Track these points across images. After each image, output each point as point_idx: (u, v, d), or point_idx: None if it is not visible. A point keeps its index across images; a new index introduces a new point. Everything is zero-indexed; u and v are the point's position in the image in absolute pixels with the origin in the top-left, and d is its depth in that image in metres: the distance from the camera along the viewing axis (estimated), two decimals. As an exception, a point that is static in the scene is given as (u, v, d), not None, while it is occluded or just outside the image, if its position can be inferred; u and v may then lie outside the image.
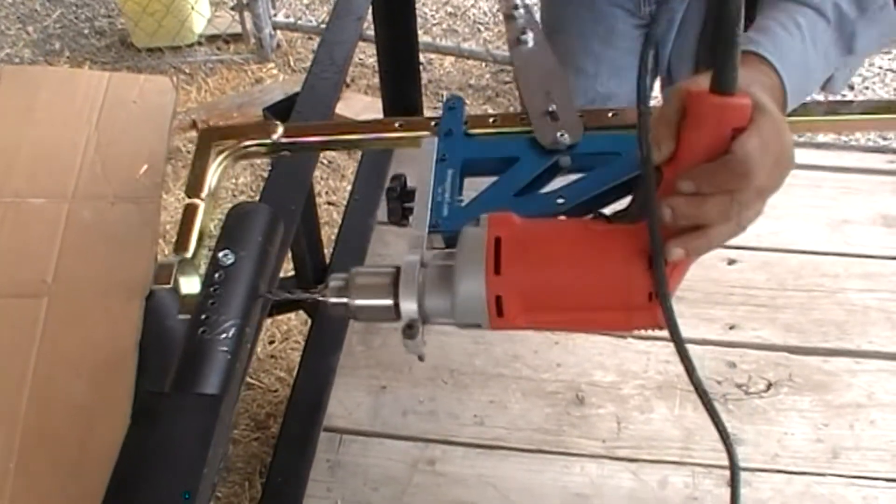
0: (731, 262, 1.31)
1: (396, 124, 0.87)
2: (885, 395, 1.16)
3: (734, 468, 0.68)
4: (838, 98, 1.09)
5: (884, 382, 1.17)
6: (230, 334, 0.67)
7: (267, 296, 0.75)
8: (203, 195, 0.82)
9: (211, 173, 0.84)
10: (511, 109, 2.60)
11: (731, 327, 1.23)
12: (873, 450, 1.10)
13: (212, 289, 0.70)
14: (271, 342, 2.05)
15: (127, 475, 0.61)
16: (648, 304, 0.64)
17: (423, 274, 0.68)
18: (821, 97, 1.09)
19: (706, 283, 1.28)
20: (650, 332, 1.19)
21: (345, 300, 0.70)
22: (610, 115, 0.82)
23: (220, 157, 0.86)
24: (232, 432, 1.84)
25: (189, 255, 0.78)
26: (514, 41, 0.90)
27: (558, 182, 0.77)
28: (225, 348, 0.67)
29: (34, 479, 0.99)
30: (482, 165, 0.80)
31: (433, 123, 0.85)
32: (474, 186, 0.77)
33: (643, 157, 0.62)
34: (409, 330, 0.67)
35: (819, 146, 1.55)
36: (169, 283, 0.78)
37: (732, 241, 1.31)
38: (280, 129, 0.87)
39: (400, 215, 0.79)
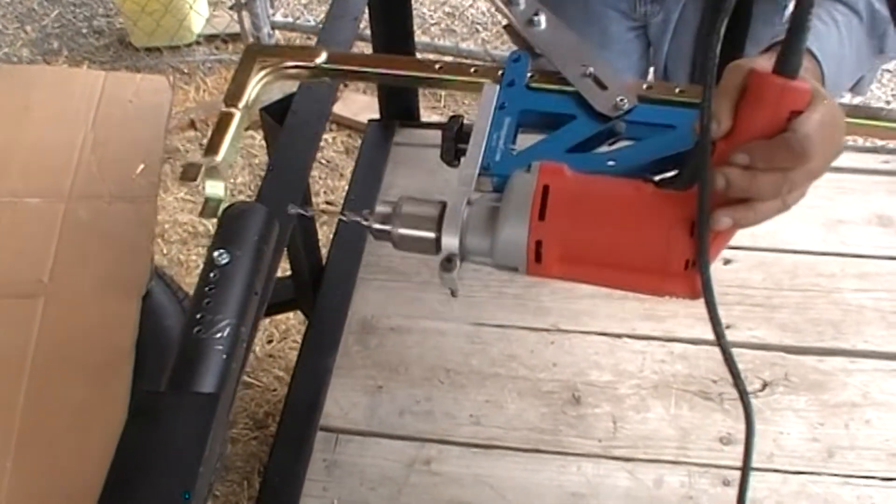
0: (727, 261, 1.31)
1: (436, 66, 0.87)
2: (880, 394, 1.16)
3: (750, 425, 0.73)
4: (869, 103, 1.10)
5: (879, 382, 1.17)
6: (226, 333, 0.68)
7: (299, 210, 0.77)
8: (240, 105, 0.83)
9: (251, 86, 0.85)
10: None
11: (727, 327, 1.23)
12: (868, 449, 1.11)
13: (207, 288, 0.70)
14: (270, 341, 2.06)
15: (124, 474, 0.61)
16: (684, 272, 0.66)
17: (468, 211, 0.70)
18: (847, 98, 1.10)
19: (702, 283, 1.28)
20: (646, 332, 1.21)
21: (388, 227, 0.73)
22: (678, 90, 0.84)
23: (263, 73, 0.86)
24: (230, 431, 1.85)
25: (219, 158, 0.79)
26: (527, 23, 0.90)
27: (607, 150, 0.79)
28: (221, 347, 0.67)
29: (31, 478, 0.99)
30: (539, 119, 0.82)
31: (473, 70, 0.87)
32: (528, 142, 0.79)
33: (702, 126, 0.64)
34: (448, 263, 0.69)
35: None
36: (195, 180, 0.77)
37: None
38: (324, 54, 0.88)
39: (453, 155, 0.80)
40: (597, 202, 0.69)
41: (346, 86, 2.76)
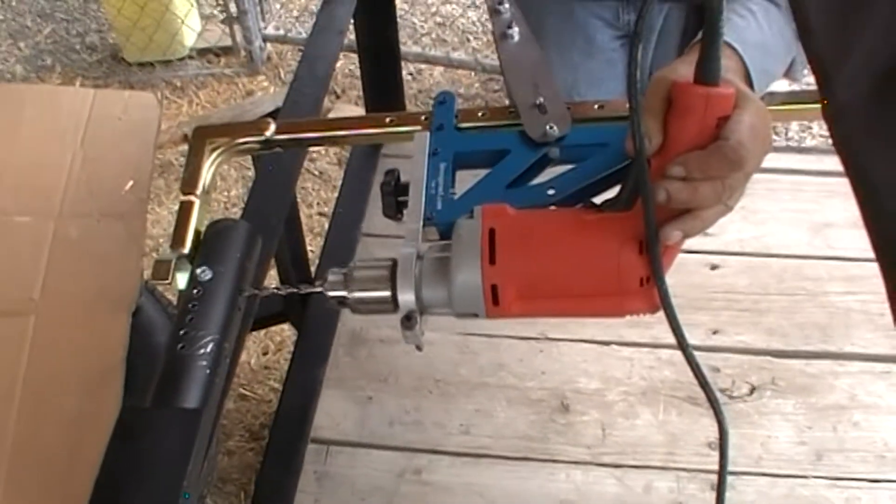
0: (714, 267, 1.32)
1: (387, 119, 0.88)
2: (867, 396, 1.17)
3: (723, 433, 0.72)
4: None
5: (866, 384, 1.18)
6: (209, 349, 0.69)
7: (254, 292, 0.77)
8: (198, 192, 0.83)
9: (205, 170, 0.86)
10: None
11: (715, 332, 1.24)
12: (856, 451, 1.12)
13: (190, 304, 0.71)
14: (265, 353, 2.06)
15: (108, 491, 0.62)
16: (640, 289, 0.67)
17: (419, 265, 0.71)
18: (785, 85, 1.10)
19: (689, 289, 1.29)
20: (634, 339, 1.22)
21: (343, 293, 0.73)
22: (596, 107, 0.84)
23: (214, 155, 0.87)
24: (226, 443, 1.85)
25: (186, 251, 0.79)
26: (501, 35, 0.91)
27: (548, 174, 0.79)
28: (204, 363, 0.68)
29: (23, 494, 1.00)
30: (473, 158, 0.82)
31: (423, 118, 0.87)
32: (466, 180, 0.79)
33: (637, 146, 0.64)
34: (408, 321, 0.69)
35: (801, 150, 1.56)
36: (167, 279, 0.78)
37: (714, 247, 1.34)
38: (272, 126, 0.89)
39: (395, 209, 0.80)
40: (543, 237, 0.70)
41: (338, 97, 2.77)
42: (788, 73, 1.05)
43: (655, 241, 0.65)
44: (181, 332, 0.69)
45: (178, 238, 0.79)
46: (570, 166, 0.78)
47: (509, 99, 0.90)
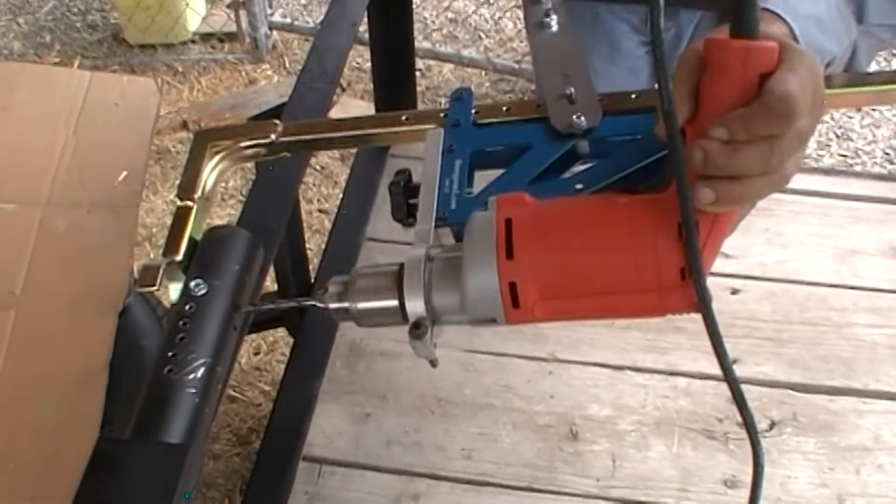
0: (735, 291, 1.26)
1: (403, 118, 0.81)
2: (892, 437, 1.11)
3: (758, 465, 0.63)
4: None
5: (892, 424, 1.12)
6: (199, 374, 0.62)
7: (250, 308, 0.70)
8: (196, 197, 0.76)
9: (206, 175, 0.78)
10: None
11: (734, 361, 1.17)
12: (880, 497, 1.05)
13: (181, 322, 0.64)
14: (256, 353, 2.00)
15: (79, 532, 0.55)
16: (682, 283, 0.57)
17: (429, 269, 0.62)
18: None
19: (708, 314, 1.22)
20: (649, 365, 1.15)
21: (346, 304, 0.65)
22: (633, 97, 0.76)
23: (217, 159, 0.79)
24: (211, 447, 1.79)
25: (179, 258, 0.72)
26: (536, 25, 0.83)
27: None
28: (193, 390, 0.61)
29: (-6, 505, 0.94)
30: (493, 156, 0.74)
31: (442, 115, 0.79)
32: (486, 181, 0.72)
33: (665, 105, 0.56)
34: (416, 330, 0.61)
35: (827, 172, 1.50)
36: (154, 285, 0.71)
37: (736, 270, 1.27)
38: (280, 129, 0.82)
39: (405, 213, 0.72)
40: (568, 225, 0.61)
41: (343, 90, 2.70)
42: (850, 65, 0.97)
43: (691, 221, 0.55)
44: (170, 354, 0.62)
45: (171, 246, 0.71)
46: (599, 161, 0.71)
47: (539, 92, 0.82)
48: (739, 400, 0.61)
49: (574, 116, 0.72)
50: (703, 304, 0.57)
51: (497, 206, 0.62)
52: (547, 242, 0.60)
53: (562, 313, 0.61)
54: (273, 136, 0.80)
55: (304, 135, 0.81)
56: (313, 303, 0.67)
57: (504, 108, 0.78)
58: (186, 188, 0.75)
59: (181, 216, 0.73)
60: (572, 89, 0.76)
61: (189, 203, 0.74)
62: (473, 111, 0.77)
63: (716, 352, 0.59)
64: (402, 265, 0.63)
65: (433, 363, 0.64)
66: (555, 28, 0.83)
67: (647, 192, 0.61)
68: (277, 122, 0.81)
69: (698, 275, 0.56)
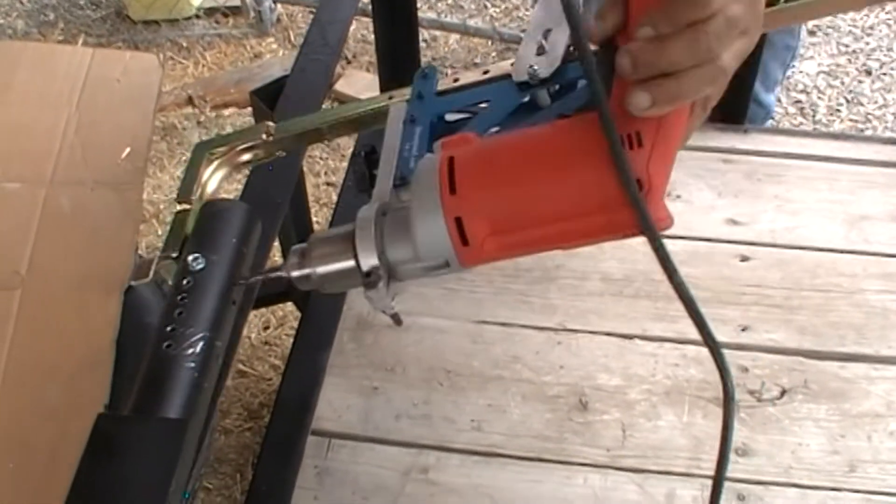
0: (744, 258, 1.25)
1: (388, 97, 0.81)
2: (905, 404, 1.10)
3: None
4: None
5: (904, 390, 1.11)
6: (198, 349, 0.61)
7: (248, 281, 0.70)
8: (194, 199, 0.77)
9: (205, 179, 0.80)
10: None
11: (744, 329, 1.17)
12: (892, 462, 1.04)
13: (179, 297, 0.64)
14: (266, 328, 2.00)
15: (80, 509, 0.55)
16: (629, 198, 0.55)
17: (381, 223, 0.62)
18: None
19: (717, 282, 1.21)
20: (658, 333, 1.15)
21: (307, 271, 0.65)
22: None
23: (215, 165, 0.81)
24: (222, 422, 1.79)
25: (174, 254, 0.72)
26: None
27: None
28: (192, 364, 0.61)
29: (1, 486, 0.94)
30: (455, 123, 0.73)
31: None
32: None
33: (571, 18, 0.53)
34: (368, 278, 0.61)
35: (836, 137, 1.48)
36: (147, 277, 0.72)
37: (746, 237, 1.26)
38: (271, 128, 0.82)
39: (367, 184, 0.72)
40: (510, 155, 0.60)
41: (349, 62, 2.68)
42: None
43: (612, 129, 0.54)
44: (168, 329, 0.62)
45: (170, 245, 0.72)
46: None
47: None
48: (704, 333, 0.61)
49: (529, 66, 0.70)
50: (643, 223, 0.55)
51: (441, 147, 0.62)
52: (490, 174, 0.59)
53: (514, 248, 0.60)
54: (265, 136, 0.80)
55: (295, 131, 0.82)
56: (279, 274, 0.67)
57: (453, 79, 0.78)
58: (185, 192, 0.76)
59: (181, 220, 0.73)
60: (544, 41, 0.74)
61: (187, 206, 0.75)
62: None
63: (667, 273, 0.56)
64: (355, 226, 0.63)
65: (396, 319, 0.65)
66: None
67: (586, 111, 0.59)
68: (269, 123, 0.82)
69: (629, 185, 0.54)
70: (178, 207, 0.76)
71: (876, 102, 2.44)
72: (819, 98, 2.45)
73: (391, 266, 0.62)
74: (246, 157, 0.82)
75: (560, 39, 0.72)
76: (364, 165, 0.73)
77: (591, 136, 0.56)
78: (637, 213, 0.55)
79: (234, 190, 2.26)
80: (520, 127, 0.66)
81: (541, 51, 0.72)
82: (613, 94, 0.57)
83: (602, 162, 0.55)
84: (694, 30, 0.53)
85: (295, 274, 0.65)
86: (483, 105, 0.73)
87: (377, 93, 1.47)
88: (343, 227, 0.64)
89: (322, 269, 0.64)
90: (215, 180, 0.80)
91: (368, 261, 0.61)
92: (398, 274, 0.63)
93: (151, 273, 0.71)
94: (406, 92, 0.78)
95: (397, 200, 0.65)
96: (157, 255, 0.71)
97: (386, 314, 0.65)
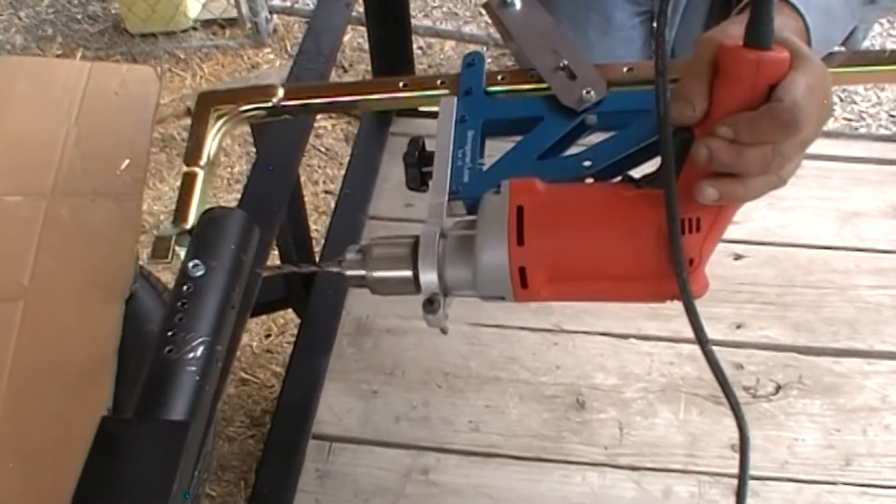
0: (738, 257, 1.26)
1: (400, 84, 0.83)
2: (898, 397, 1.11)
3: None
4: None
5: (897, 385, 1.12)
6: (199, 353, 0.63)
7: (260, 272, 0.72)
8: (202, 163, 0.79)
9: (210, 139, 0.81)
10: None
11: (738, 326, 1.18)
12: (887, 456, 1.06)
13: (179, 303, 0.65)
14: (267, 336, 2.01)
15: (85, 510, 0.56)
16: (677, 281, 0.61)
17: (442, 244, 0.66)
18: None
19: (711, 280, 1.22)
20: (653, 332, 1.16)
21: (362, 272, 0.69)
22: (625, 70, 0.78)
23: (220, 123, 0.83)
24: (226, 429, 1.80)
25: (188, 226, 0.75)
26: (499, 4, 0.85)
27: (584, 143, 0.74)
28: (193, 368, 0.62)
29: (6, 492, 0.95)
30: (504, 126, 0.77)
31: (440, 82, 0.81)
32: (496, 148, 0.74)
33: (659, 114, 0.59)
34: (430, 305, 0.65)
35: (827, 135, 1.49)
36: (167, 258, 0.74)
37: (739, 235, 1.27)
38: (280, 92, 0.83)
39: (419, 181, 0.75)
40: (576, 215, 0.64)
41: (346, 70, 2.70)
42: (847, 42, 0.98)
43: (675, 221, 0.59)
44: (169, 334, 0.63)
45: (180, 213, 0.75)
46: (605, 136, 0.72)
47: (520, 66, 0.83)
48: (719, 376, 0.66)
49: (584, 92, 0.74)
50: (683, 294, 0.61)
51: (509, 191, 0.65)
52: (556, 230, 0.64)
53: (566, 294, 0.65)
54: (274, 100, 0.82)
55: (304, 98, 0.83)
56: (334, 269, 0.70)
57: (500, 77, 0.80)
58: (192, 154, 0.78)
59: (188, 183, 0.75)
60: (565, 62, 0.77)
61: (195, 169, 0.76)
62: (485, 76, 0.79)
63: (697, 338, 0.63)
64: (417, 238, 0.67)
65: (444, 331, 0.68)
66: (518, 6, 0.84)
67: (652, 187, 0.63)
68: (279, 84, 0.83)
69: (679, 271, 0.60)
70: (185, 170, 0.78)
71: (870, 101, 2.45)
72: (813, 97, 2.46)
73: (447, 286, 0.66)
74: (251, 115, 0.84)
75: (580, 60, 0.77)
76: (416, 166, 0.75)
77: (655, 216, 0.61)
78: (680, 289, 0.61)
79: (232, 200, 2.27)
80: (569, 154, 0.72)
81: (570, 74, 0.76)
82: (683, 172, 0.61)
83: (661, 241, 0.61)
84: (771, 147, 0.58)
85: (350, 273, 0.69)
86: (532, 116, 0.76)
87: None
88: (402, 236, 0.68)
89: (378, 274, 0.68)
90: (219, 138, 0.82)
91: (429, 278, 0.65)
92: (451, 293, 0.67)
93: (171, 252, 0.73)
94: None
95: (457, 223, 0.68)
96: (174, 231, 0.73)
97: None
